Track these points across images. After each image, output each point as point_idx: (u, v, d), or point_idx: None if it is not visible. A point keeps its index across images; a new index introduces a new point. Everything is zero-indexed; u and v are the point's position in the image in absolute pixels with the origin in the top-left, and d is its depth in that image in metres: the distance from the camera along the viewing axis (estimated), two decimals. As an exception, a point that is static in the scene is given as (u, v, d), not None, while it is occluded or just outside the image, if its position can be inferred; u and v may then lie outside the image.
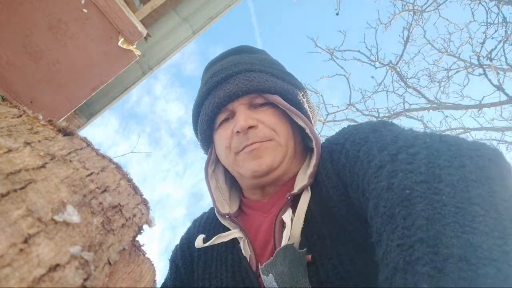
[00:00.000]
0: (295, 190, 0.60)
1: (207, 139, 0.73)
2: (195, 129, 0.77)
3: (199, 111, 0.73)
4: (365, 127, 0.56)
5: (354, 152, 0.53)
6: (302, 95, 0.71)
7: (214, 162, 0.74)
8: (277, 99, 0.66)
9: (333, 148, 0.59)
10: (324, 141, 0.66)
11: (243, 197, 0.72)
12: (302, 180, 0.62)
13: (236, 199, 0.73)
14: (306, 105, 0.71)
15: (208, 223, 0.73)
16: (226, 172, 0.74)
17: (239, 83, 0.66)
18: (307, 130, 0.65)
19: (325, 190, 0.57)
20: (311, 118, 0.72)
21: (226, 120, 0.68)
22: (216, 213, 0.67)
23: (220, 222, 0.68)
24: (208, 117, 0.69)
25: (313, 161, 0.62)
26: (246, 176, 0.65)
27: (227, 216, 0.65)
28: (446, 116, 5.10)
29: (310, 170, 0.61)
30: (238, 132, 0.64)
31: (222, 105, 0.66)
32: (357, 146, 0.53)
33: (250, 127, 0.63)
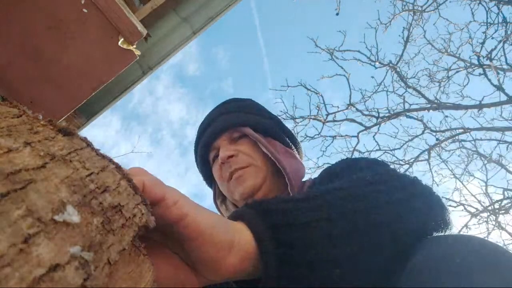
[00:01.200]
0: None
1: (207, 177, 0.88)
2: (199, 171, 0.92)
3: (196, 156, 0.88)
4: (362, 162, 0.67)
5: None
6: (274, 123, 0.85)
7: (220, 195, 0.87)
8: (248, 130, 0.79)
9: (331, 173, 0.71)
10: (328, 166, 0.78)
11: None
12: None
13: None
14: (278, 130, 0.84)
15: None
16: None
17: (216, 124, 0.81)
18: (269, 155, 0.76)
19: None
20: (288, 142, 0.85)
21: (216, 157, 0.81)
22: None
23: None
24: (200, 158, 0.85)
25: (290, 180, 0.75)
26: (238, 200, 0.77)
27: None
28: (446, 116, 5.09)
29: (295, 191, 0.74)
30: (222, 163, 0.77)
31: (208, 144, 0.81)
32: (348, 176, 0.63)
33: (230, 157, 0.76)
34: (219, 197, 0.87)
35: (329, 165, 0.77)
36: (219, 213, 0.84)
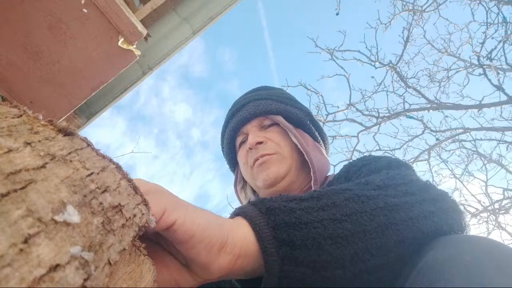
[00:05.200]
0: None
1: (232, 161, 0.88)
2: (223, 155, 0.92)
3: (223, 139, 0.88)
4: (383, 161, 0.65)
5: (364, 176, 0.61)
6: (305, 115, 0.84)
7: (241, 180, 0.87)
8: (280, 118, 0.79)
9: (351, 168, 0.69)
10: (349, 162, 0.76)
11: None
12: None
13: None
14: (309, 123, 0.83)
15: None
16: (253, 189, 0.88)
17: (248, 109, 0.80)
18: (299, 146, 0.76)
19: None
20: (317, 136, 0.85)
21: (243, 142, 0.82)
22: None
23: None
24: (228, 141, 0.84)
25: (315, 174, 0.74)
26: (260, 187, 0.77)
27: None
28: (446, 116, 5.09)
29: (318, 186, 0.73)
30: (250, 148, 0.77)
31: (237, 129, 0.81)
32: (369, 173, 0.62)
33: (259, 143, 0.76)
34: (240, 183, 0.87)
35: (350, 160, 0.76)
36: (238, 198, 0.86)
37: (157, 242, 0.38)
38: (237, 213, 0.41)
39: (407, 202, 0.44)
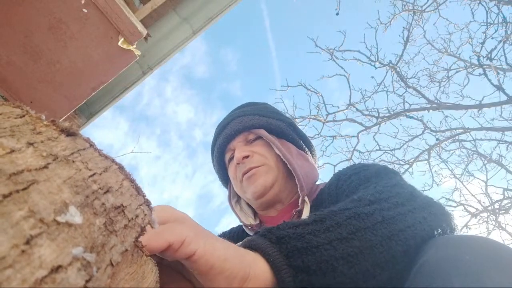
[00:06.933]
0: (300, 207, 0.74)
1: (223, 177, 0.91)
2: (215, 172, 0.94)
3: (213, 157, 0.91)
4: (371, 170, 0.68)
5: (355, 185, 0.65)
6: (287, 126, 0.87)
7: (235, 195, 0.90)
8: (262, 132, 0.82)
9: (341, 177, 0.72)
10: (339, 170, 0.79)
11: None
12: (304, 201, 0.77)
13: (258, 218, 0.87)
14: (292, 132, 0.86)
15: (234, 233, 0.87)
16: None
17: (232, 126, 0.83)
18: (281, 156, 0.78)
19: (324, 206, 0.71)
20: (301, 145, 0.87)
21: (232, 158, 0.84)
22: (244, 227, 0.83)
23: (245, 234, 0.82)
24: (217, 158, 0.87)
25: (300, 181, 0.76)
26: (251, 199, 0.80)
27: (249, 227, 0.80)
28: (446, 116, 5.09)
29: (305, 192, 0.75)
30: (237, 163, 0.79)
31: (224, 146, 0.84)
32: (359, 181, 0.66)
33: (245, 157, 0.78)
34: (234, 197, 0.90)
35: (341, 169, 0.79)
36: (234, 212, 0.87)
37: (178, 270, 0.39)
38: (247, 246, 0.41)
39: (400, 213, 0.46)
